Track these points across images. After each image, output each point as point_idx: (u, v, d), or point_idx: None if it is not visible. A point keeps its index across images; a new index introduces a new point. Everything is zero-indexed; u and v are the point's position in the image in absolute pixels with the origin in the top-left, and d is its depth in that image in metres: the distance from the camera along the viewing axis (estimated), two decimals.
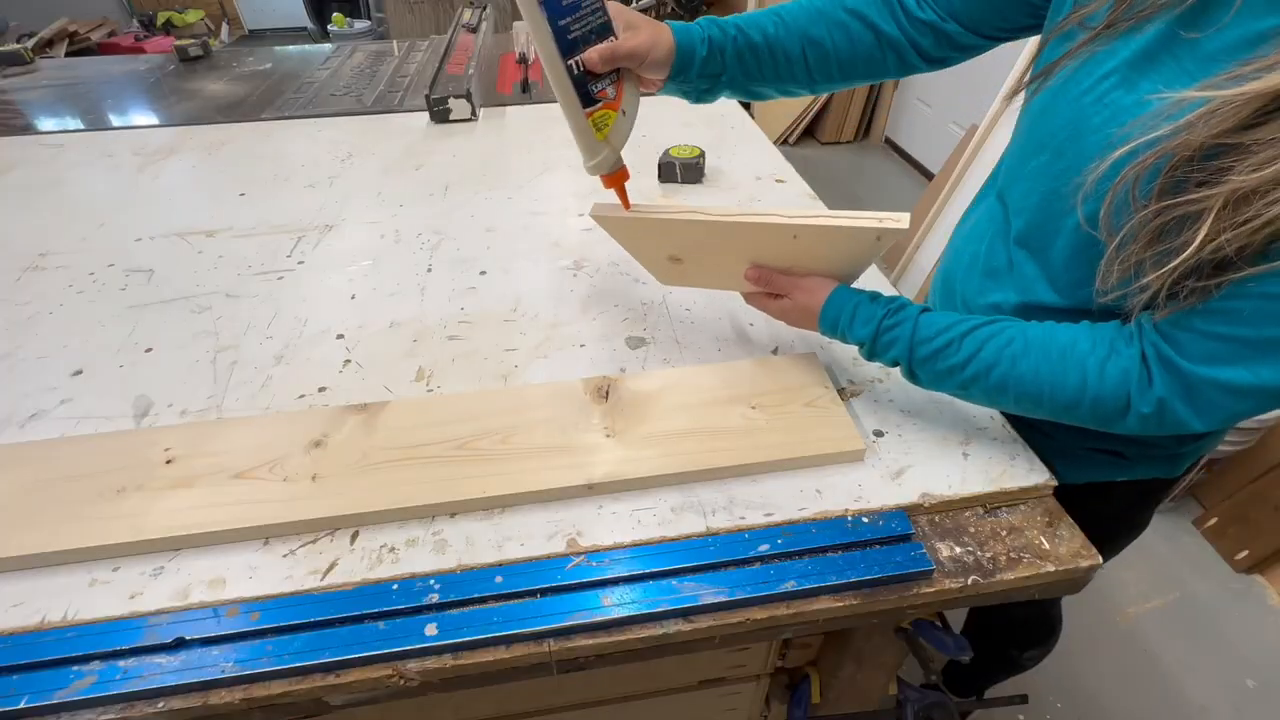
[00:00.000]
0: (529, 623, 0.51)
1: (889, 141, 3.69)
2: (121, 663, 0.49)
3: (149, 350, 0.78)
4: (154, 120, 1.45)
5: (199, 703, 0.48)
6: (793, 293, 0.66)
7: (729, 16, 0.70)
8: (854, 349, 0.64)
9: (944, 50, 0.70)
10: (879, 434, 0.66)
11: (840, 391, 0.70)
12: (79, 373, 0.75)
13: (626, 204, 0.70)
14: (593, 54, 0.59)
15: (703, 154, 1.13)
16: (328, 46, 1.92)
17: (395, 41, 1.96)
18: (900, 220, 0.59)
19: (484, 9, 1.92)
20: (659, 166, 1.13)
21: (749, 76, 0.70)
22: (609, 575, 0.54)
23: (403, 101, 1.50)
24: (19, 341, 0.80)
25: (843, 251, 0.64)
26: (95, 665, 0.49)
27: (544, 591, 0.53)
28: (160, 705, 0.48)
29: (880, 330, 0.60)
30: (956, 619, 1.17)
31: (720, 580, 0.54)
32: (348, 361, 0.76)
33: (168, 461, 0.61)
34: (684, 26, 0.67)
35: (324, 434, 0.64)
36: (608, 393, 0.68)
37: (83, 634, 0.50)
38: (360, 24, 4.48)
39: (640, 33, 0.62)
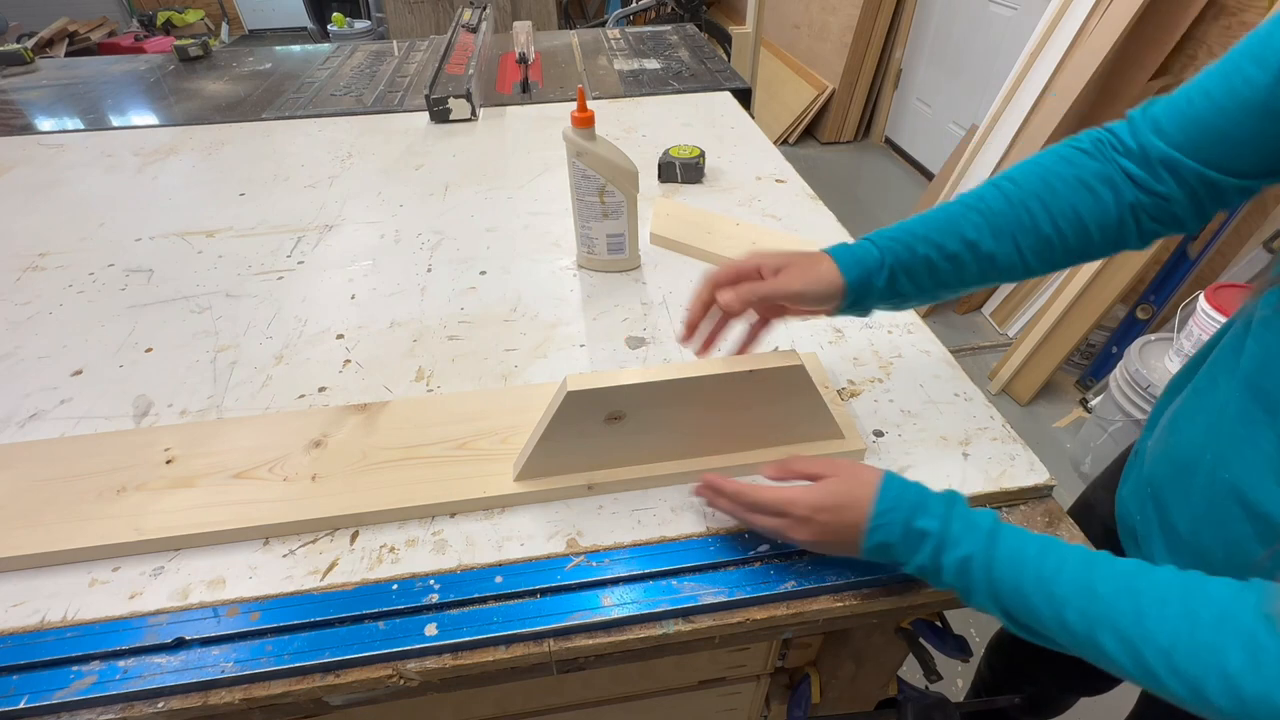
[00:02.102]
0: (529, 623, 0.51)
1: (889, 141, 3.69)
2: (121, 663, 0.49)
3: (149, 350, 0.78)
4: (154, 120, 1.45)
5: (199, 703, 0.48)
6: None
7: (913, 220, 0.55)
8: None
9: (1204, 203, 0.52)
10: (879, 434, 0.66)
11: (840, 392, 0.70)
12: (79, 373, 0.75)
13: None
14: (728, 294, 0.52)
15: (703, 154, 1.13)
16: (328, 46, 1.92)
17: (395, 41, 1.96)
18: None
19: (484, 9, 1.92)
20: (659, 166, 1.14)
21: (943, 285, 0.56)
22: (609, 575, 0.54)
23: (403, 101, 1.50)
24: (19, 341, 0.80)
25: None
26: (95, 665, 0.49)
27: (544, 591, 0.53)
28: (160, 705, 0.48)
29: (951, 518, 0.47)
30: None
31: (720, 580, 0.54)
32: (348, 361, 0.76)
33: (168, 461, 0.61)
34: (851, 255, 0.53)
35: (324, 434, 0.64)
36: None
37: (83, 634, 0.50)
38: (360, 24, 4.48)
39: (791, 271, 0.53)
